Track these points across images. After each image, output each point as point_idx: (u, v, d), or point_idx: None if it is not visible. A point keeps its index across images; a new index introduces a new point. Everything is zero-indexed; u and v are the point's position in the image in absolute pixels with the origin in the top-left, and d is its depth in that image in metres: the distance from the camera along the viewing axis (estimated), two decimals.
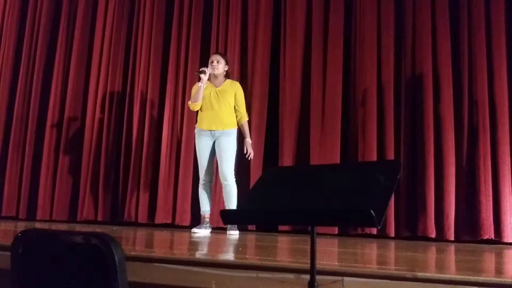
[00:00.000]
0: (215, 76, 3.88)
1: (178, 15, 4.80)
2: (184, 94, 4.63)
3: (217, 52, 4.13)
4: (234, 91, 3.86)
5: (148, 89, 4.75)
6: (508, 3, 4.01)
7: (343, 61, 4.28)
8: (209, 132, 3.79)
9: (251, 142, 3.88)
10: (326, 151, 4.13)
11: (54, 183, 4.88)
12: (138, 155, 4.64)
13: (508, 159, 3.79)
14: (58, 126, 5.00)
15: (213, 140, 3.80)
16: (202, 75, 3.75)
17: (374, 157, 3.99)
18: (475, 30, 4.02)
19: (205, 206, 3.79)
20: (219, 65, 3.86)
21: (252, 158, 3.91)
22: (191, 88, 4.59)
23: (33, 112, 5.09)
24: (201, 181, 3.82)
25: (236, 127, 3.86)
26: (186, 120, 4.57)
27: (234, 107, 3.86)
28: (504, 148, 3.81)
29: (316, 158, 4.15)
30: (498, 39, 3.96)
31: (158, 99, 4.74)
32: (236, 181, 3.76)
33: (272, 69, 4.48)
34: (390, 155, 3.99)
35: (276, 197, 1.30)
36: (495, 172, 3.80)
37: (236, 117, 3.87)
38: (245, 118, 3.89)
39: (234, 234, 3.65)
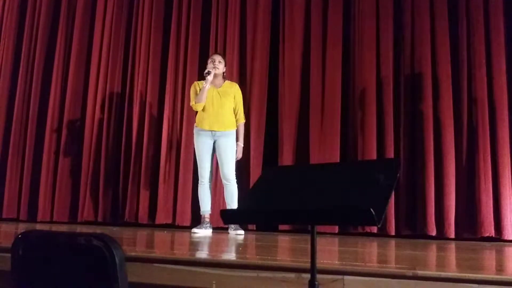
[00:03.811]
0: (215, 76, 3.87)
1: (177, 15, 4.80)
2: (184, 93, 4.63)
3: (217, 52, 4.14)
4: (233, 92, 3.88)
5: (148, 89, 4.76)
6: (506, 1, 4.01)
7: (342, 61, 4.28)
8: (210, 132, 3.79)
9: (242, 146, 3.88)
10: (326, 150, 4.13)
11: (55, 185, 4.88)
12: (138, 155, 4.65)
13: (508, 156, 3.80)
14: (58, 127, 5.00)
15: (213, 140, 3.80)
16: (208, 76, 3.75)
17: (373, 155, 3.99)
18: (474, 29, 4.03)
19: (206, 206, 3.79)
20: (220, 65, 3.87)
21: (238, 159, 3.87)
22: (190, 88, 4.61)
23: (33, 113, 5.09)
24: (200, 181, 3.81)
25: (235, 128, 3.87)
26: (186, 120, 4.57)
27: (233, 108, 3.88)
28: (504, 145, 3.81)
29: (315, 157, 4.15)
30: (497, 37, 3.96)
31: (157, 99, 4.74)
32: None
33: (271, 69, 4.48)
34: (390, 153, 3.99)
35: (276, 196, 1.30)
36: (495, 170, 3.80)
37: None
38: (241, 120, 3.90)
39: (239, 233, 3.65)
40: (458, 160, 3.90)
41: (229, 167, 3.75)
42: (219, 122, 3.78)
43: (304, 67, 4.37)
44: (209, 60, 3.92)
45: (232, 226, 3.74)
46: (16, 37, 5.36)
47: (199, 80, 3.84)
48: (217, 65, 3.85)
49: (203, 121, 3.82)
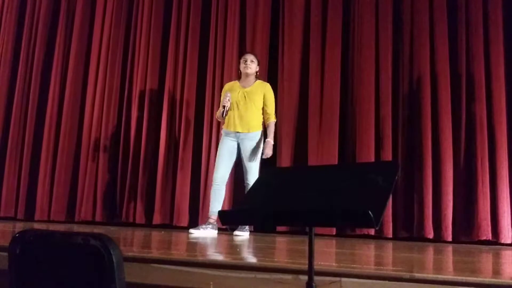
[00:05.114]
0: (246, 76, 3.83)
1: (177, 14, 4.80)
2: (183, 93, 4.63)
3: (251, 52, 4.09)
4: (263, 92, 3.79)
5: (146, 89, 4.75)
6: (505, 2, 4.02)
7: (341, 62, 4.29)
8: (234, 133, 3.75)
9: (272, 143, 3.75)
10: (324, 152, 4.14)
11: (52, 184, 4.87)
12: (136, 155, 4.64)
13: (506, 159, 3.80)
14: (56, 126, 4.99)
15: (237, 142, 3.76)
16: (225, 109, 3.72)
17: (372, 158, 3.99)
18: (472, 30, 4.04)
19: (215, 208, 3.68)
20: (252, 65, 3.82)
21: (267, 157, 3.76)
22: (189, 88, 4.62)
23: (31, 112, 5.09)
24: (216, 182, 3.72)
25: (261, 129, 3.79)
26: (184, 120, 4.57)
27: (263, 107, 3.80)
28: (502, 149, 3.82)
29: (314, 159, 4.15)
30: (496, 39, 3.97)
31: (156, 99, 4.73)
32: None
33: (270, 70, 4.47)
34: (388, 156, 3.99)
35: (274, 197, 1.30)
36: (492, 173, 3.81)
37: (264, 117, 3.82)
38: (272, 119, 3.80)
39: (241, 235, 3.62)
40: (456, 163, 3.90)
41: (252, 172, 3.70)
42: (243, 124, 3.73)
43: (303, 68, 4.37)
44: (241, 60, 3.87)
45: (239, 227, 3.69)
46: (15, 35, 5.35)
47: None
48: (249, 64, 3.81)
49: (229, 122, 3.78)
